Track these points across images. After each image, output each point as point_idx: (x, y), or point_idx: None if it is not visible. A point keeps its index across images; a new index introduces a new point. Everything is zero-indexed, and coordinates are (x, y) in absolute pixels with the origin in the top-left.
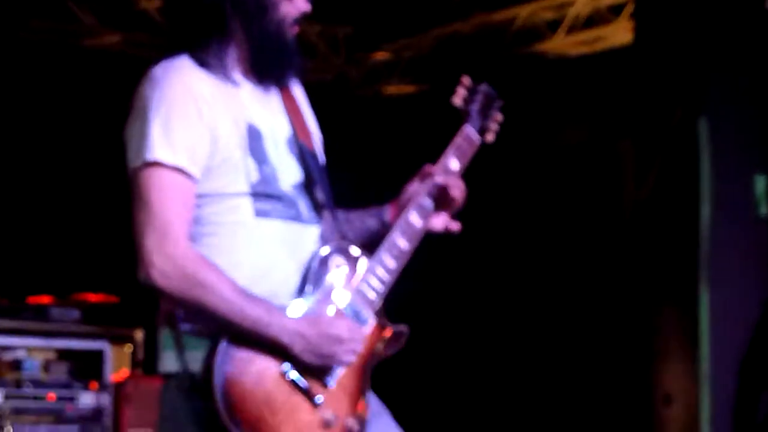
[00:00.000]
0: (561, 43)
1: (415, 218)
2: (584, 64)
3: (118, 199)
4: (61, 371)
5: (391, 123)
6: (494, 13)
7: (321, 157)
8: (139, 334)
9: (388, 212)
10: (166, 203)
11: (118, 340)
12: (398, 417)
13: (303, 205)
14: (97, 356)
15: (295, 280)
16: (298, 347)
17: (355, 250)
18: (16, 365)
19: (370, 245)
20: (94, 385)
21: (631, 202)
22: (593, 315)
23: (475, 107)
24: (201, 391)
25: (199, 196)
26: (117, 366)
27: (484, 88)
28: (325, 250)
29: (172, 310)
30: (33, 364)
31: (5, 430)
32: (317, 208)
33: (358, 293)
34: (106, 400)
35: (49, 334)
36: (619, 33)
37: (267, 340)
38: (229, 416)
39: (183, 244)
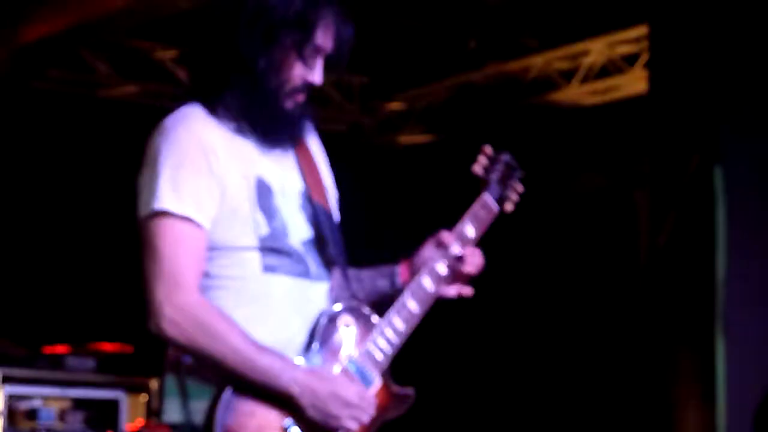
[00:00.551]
0: (575, 93)
1: (427, 282)
2: (599, 113)
3: (132, 248)
4: (76, 420)
5: (406, 172)
6: (508, 62)
7: (335, 213)
8: (154, 384)
9: (399, 274)
10: (175, 252)
11: (133, 390)
12: None
13: (312, 262)
14: (113, 405)
15: (301, 337)
16: (304, 399)
17: (364, 310)
18: (32, 414)
19: (380, 306)
20: None
21: (647, 250)
22: (609, 363)
23: (495, 176)
24: None
25: (208, 249)
26: (132, 415)
27: (505, 157)
28: (335, 309)
29: (178, 358)
30: (49, 414)
31: None
32: (327, 265)
33: (366, 353)
34: None
35: (65, 383)
36: (634, 82)
37: (276, 391)
38: None
39: (193, 293)
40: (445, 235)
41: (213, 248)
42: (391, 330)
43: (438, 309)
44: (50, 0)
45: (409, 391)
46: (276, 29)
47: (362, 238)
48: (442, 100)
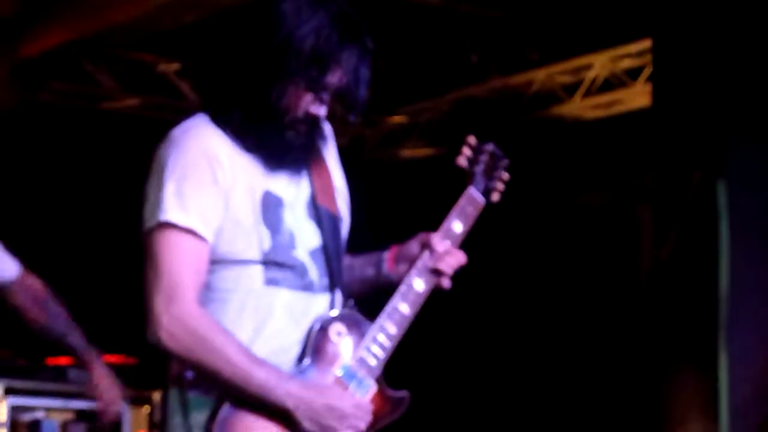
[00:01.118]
0: (578, 107)
1: (417, 284)
2: (602, 127)
3: (135, 260)
4: None
5: (408, 185)
6: (511, 76)
7: (345, 219)
8: (157, 396)
9: (386, 260)
10: (176, 264)
11: (136, 402)
12: None
13: (315, 273)
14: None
15: (297, 349)
16: (300, 413)
17: (356, 316)
18: (35, 426)
19: (366, 294)
20: None
21: (649, 265)
22: (610, 378)
23: (479, 168)
24: None
25: (210, 261)
26: (135, 427)
27: (490, 147)
28: (326, 317)
29: (181, 372)
30: (52, 425)
31: None
32: (330, 275)
33: (359, 360)
34: None
35: (68, 395)
36: (637, 96)
37: (271, 404)
38: None
39: (191, 305)
40: (432, 236)
41: (215, 261)
42: (383, 335)
43: (439, 322)
44: (53, 13)
45: (405, 394)
46: (294, 62)
47: (364, 251)
48: (444, 114)
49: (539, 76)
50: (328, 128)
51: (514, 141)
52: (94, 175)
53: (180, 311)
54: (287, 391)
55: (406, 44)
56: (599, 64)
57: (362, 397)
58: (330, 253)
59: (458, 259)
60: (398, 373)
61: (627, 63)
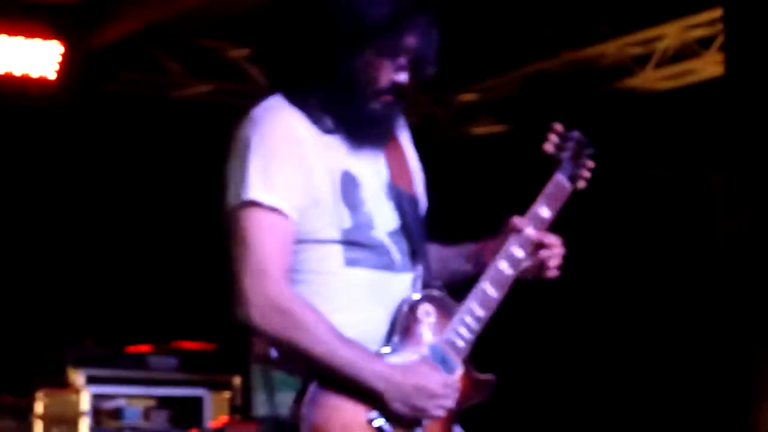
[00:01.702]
0: (650, 78)
1: (504, 266)
2: (674, 98)
3: (212, 246)
4: (161, 419)
5: (480, 163)
6: (581, 50)
7: (421, 202)
8: (237, 381)
9: (484, 253)
10: (264, 242)
11: (216, 387)
12: None
13: (396, 253)
14: (197, 403)
15: (383, 329)
16: (389, 394)
17: (444, 297)
18: (117, 414)
19: (461, 286)
20: (195, 431)
21: (725, 235)
22: (688, 350)
23: (566, 154)
24: None
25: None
26: (216, 412)
27: (576, 134)
28: (414, 298)
29: (264, 350)
30: (133, 413)
31: None
32: (413, 254)
33: (447, 342)
34: None
35: (149, 382)
36: (709, 66)
37: (359, 385)
38: None
39: (280, 283)
40: (519, 219)
41: (297, 241)
42: (471, 316)
43: (515, 296)
44: (122, 3)
45: (491, 377)
46: (368, 31)
47: (437, 230)
48: (515, 90)
49: (610, 48)
50: (404, 125)
51: (586, 115)
52: (167, 164)
53: (270, 290)
54: (376, 372)
55: (476, 20)
56: (670, 34)
57: (449, 377)
58: (411, 234)
59: (555, 246)
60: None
61: (698, 32)
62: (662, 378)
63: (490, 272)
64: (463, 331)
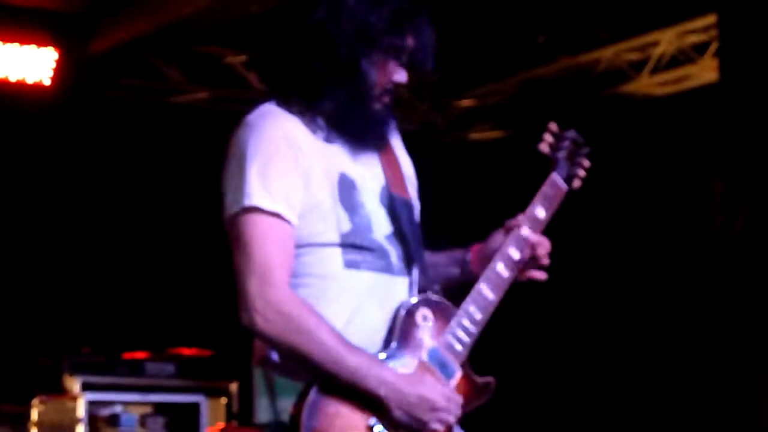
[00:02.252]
0: (646, 84)
1: (501, 268)
2: (670, 103)
3: (208, 254)
4: (157, 425)
5: (478, 168)
6: (578, 56)
7: (416, 208)
8: (233, 387)
9: (469, 261)
10: (266, 248)
11: (213, 393)
12: None
13: (395, 256)
14: (194, 409)
15: (383, 332)
16: (392, 402)
17: (441, 301)
18: (114, 420)
19: (453, 291)
20: None
21: (723, 239)
22: (688, 351)
23: (562, 154)
24: None
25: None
26: (213, 419)
27: (571, 134)
28: (412, 302)
29: (266, 354)
30: (130, 419)
31: None
32: (408, 259)
33: (445, 345)
34: None
35: (145, 388)
36: (705, 71)
37: (362, 391)
38: None
39: (284, 288)
40: (515, 219)
41: (296, 245)
42: (469, 320)
43: (515, 299)
44: (120, 10)
45: (490, 380)
46: (373, 32)
47: (434, 236)
48: (512, 96)
49: (606, 54)
50: (394, 129)
51: (583, 120)
52: (165, 170)
53: (274, 295)
54: (380, 379)
55: (473, 27)
56: (666, 40)
57: (448, 382)
58: (406, 239)
59: (545, 246)
60: (483, 356)
61: (693, 38)
62: (664, 379)
63: (487, 274)
64: (461, 334)
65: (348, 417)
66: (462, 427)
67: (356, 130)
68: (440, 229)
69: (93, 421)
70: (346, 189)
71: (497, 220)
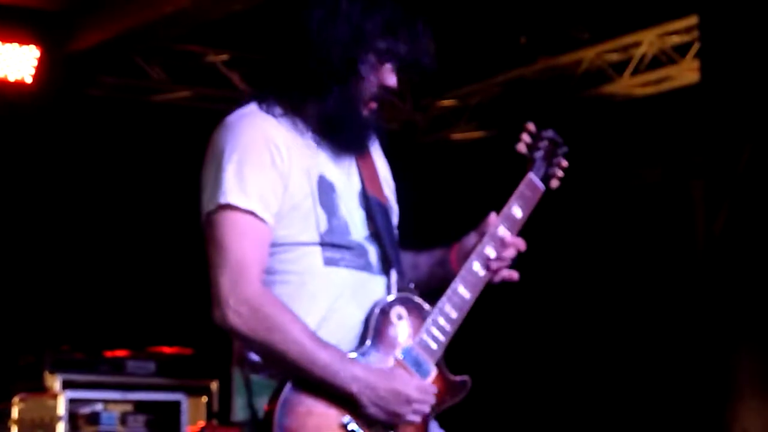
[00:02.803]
0: (628, 85)
1: (478, 268)
2: (652, 104)
3: (189, 252)
4: (138, 424)
5: (460, 168)
6: (559, 56)
7: (393, 212)
8: (214, 385)
9: (449, 261)
10: (240, 245)
11: (193, 392)
12: None
13: (373, 255)
14: (174, 408)
15: (359, 330)
16: (365, 398)
17: (416, 299)
18: (94, 418)
19: (435, 290)
20: None
21: (703, 240)
22: (667, 352)
23: (539, 154)
24: None
25: (271, 244)
26: (193, 417)
27: (549, 134)
28: (387, 300)
29: (244, 352)
30: (110, 417)
31: None
32: (386, 260)
33: (420, 343)
34: None
35: (126, 387)
36: (686, 72)
37: (335, 387)
38: None
39: (257, 285)
40: (491, 218)
41: (274, 244)
42: (444, 318)
43: (495, 300)
44: (101, 8)
45: (465, 378)
46: (366, 37)
47: (415, 235)
48: (494, 96)
49: (588, 55)
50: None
51: (564, 121)
52: (146, 169)
53: (247, 292)
54: (352, 375)
55: (455, 27)
56: (647, 41)
57: (425, 381)
58: (383, 241)
59: (517, 247)
60: (459, 355)
61: (675, 39)
62: (643, 378)
63: (463, 273)
64: (436, 332)
65: (321, 415)
66: (441, 426)
67: (343, 133)
68: (422, 229)
69: (73, 418)
70: (325, 191)
71: (478, 219)
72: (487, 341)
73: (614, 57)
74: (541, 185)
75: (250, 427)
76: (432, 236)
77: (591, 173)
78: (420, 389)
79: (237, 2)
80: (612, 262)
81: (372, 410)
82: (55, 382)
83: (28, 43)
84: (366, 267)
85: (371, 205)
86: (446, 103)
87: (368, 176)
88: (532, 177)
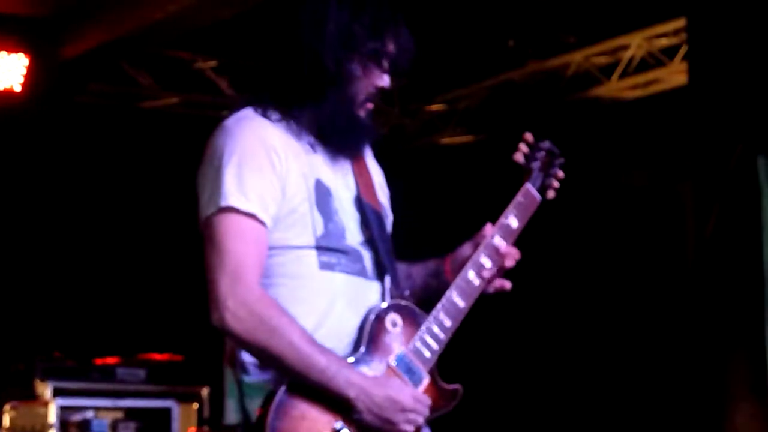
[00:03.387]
0: (616, 88)
1: (472, 276)
2: (640, 107)
3: (179, 258)
4: (129, 430)
5: (448, 173)
6: (548, 60)
7: (387, 219)
8: (205, 392)
9: (444, 272)
10: (239, 247)
11: (184, 399)
12: None
13: (368, 261)
14: (165, 415)
15: (353, 336)
16: (361, 404)
17: (411, 307)
18: (85, 426)
19: (429, 301)
20: None
21: (693, 242)
22: (659, 356)
23: (536, 165)
24: None
25: (268, 247)
26: (184, 424)
27: (546, 145)
28: (382, 307)
29: (236, 354)
30: (101, 425)
31: None
32: (380, 266)
33: (414, 351)
34: None
35: (117, 394)
36: (674, 75)
37: (331, 392)
38: None
39: (256, 288)
40: (487, 228)
41: (270, 247)
42: (438, 326)
43: (484, 304)
44: (90, 16)
45: (457, 387)
46: (356, 39)
47: (405, 240)
48: (482, 100)
49: (576, 58)
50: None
51: (553, 124)
52: (137, 175)
53: (245, 294)
54: (349, 380)
55: (443, 31)
56: (635, 44)
57: (415, 388)
58: (378, 246)
59: (512, 257)
60: (450, 362)
61: (663, 42)
62: (634, 381)
63: (458, 282)
64: (430, 340)
65: (314, 420)
66: None
67: (340, 136)
68: (411, 234)
69: (64, 426)
70: (322, 195)
71: (468, 224)
72: (475, 347)
73: (602, 60)
74: (537, 196)
75: (242, 430)
76: (421, 241)
77: (580, 177)
78: (414, 398)
79: (225, 9)
80: (601, 266)
81: (366, 416)
82: (46, 390)
83: (17, 52)
84: (361, 272)
85: (366, 211)
86: (435, 107)
87: (363, 183)
88: (529, 187)
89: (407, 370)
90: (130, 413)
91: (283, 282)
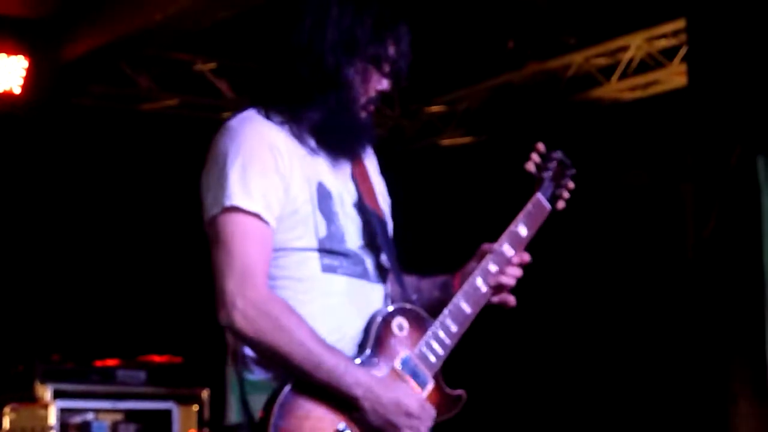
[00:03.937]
0: (616, 89)
1: (480, 283)
2: (640, 108)
3: (179, 260)
4: None
5: (448, 174)
6: (547, 61)
7: (388, 223)
8: (205, 394)
9: (452, 286)
10: (246, 246)
11: (184, 400)
12: None
13: (370, 264)
14: (165, 416)
15: (358, 337)
16: (368, 404)
17: (418, 311)
18: (85, 428)
19: (435, 314)
20: None
21: (693, 242)
22: (659, 356)
23: (547, 174)
24: None
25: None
26: (184, 426)
27: (558, 155)
28: (389, 310)
29: (237, 351)
30: (101, 427)
31: None
32: (382, 269)
33: (419, 355)
34: None
35: (117, 396)
36: (674, 76)
37: (338, 391)
38: None
39: (263, 287)
40: (484, 247)
41: (274, 249)
42: (444, 331)
43: (486, 307)
44: (89, 17)
45: (461, 392)
46: (357, 43)
47: (405, 241)
48: (482, 101)
49: (576, 59)
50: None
51: (552, 125)
52: (136, 177)
53: (254, 294)
54: (357, 379)
55: (443, 33)
56: (635, 45)
57: (420, 392)
58: (380, 250)
59: (522, 262)
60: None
61: (663, 43)
62: (634, 382)
63: (465, 288)
64: (436, 345)
65: (318, 419)
66: None
67: (342, 138)
68: (411, 235)
69: (64, 428)
70: (324, 198)
71: (468, 226)
72: (475, 347)
73: (602, 61)
74: (548, 205)
75: (245, 429)
76: (421, 243)
77: (580, 178)
78: (420, 405)
79: (223, 9)
80: (601, 266)
81: (371, 416)
82: (46, 392)
83: (16, 54)
84: (363, 275)
85: (368, 215)
86: (434, 108)
87: (365, 188)
88: (540, 197)
89: (412, 373)
90: (130, 415)
91: (286, 284)
